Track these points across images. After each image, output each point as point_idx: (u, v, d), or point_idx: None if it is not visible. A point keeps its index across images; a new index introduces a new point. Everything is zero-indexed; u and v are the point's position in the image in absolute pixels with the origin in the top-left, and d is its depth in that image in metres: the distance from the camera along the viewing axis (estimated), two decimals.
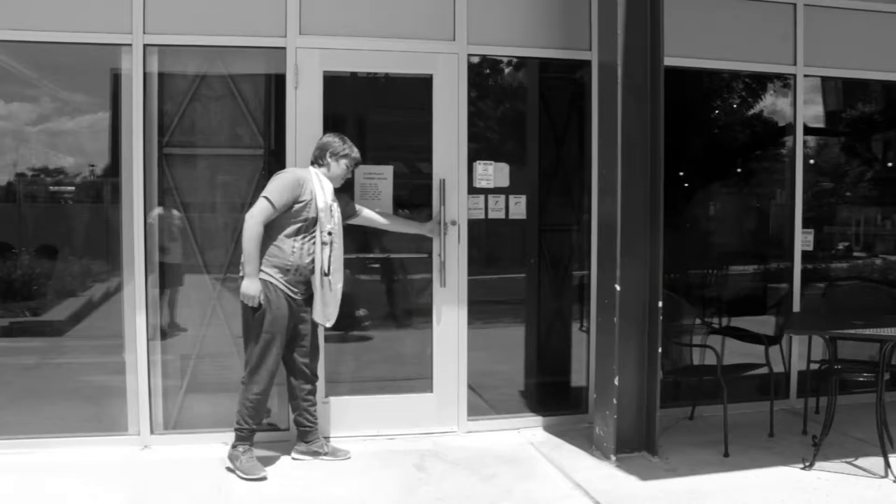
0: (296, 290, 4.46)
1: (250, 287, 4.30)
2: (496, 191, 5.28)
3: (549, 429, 5.34)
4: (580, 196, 5.56)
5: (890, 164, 6.66)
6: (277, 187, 4.35)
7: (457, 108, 5.14)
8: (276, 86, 5.02)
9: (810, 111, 5.98)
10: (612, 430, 4.71)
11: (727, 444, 4.76)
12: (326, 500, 4.11)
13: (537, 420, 5.42)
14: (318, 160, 4.62)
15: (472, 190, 5.22)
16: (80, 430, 4.83)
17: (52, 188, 5.07)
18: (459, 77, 5.13)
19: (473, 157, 5.22)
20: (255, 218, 4.28)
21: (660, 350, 4.69)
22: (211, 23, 4.81)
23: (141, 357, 4.80)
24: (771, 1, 5.68)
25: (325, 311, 4.56)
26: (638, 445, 4.79)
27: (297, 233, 4.42)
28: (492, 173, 5.25)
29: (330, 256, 4.49)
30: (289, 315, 4.44)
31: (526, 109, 5.79)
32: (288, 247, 4.40)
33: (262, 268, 4.35)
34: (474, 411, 5.31)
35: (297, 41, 4.88)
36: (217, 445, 4.78)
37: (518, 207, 5.34)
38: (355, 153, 4.67)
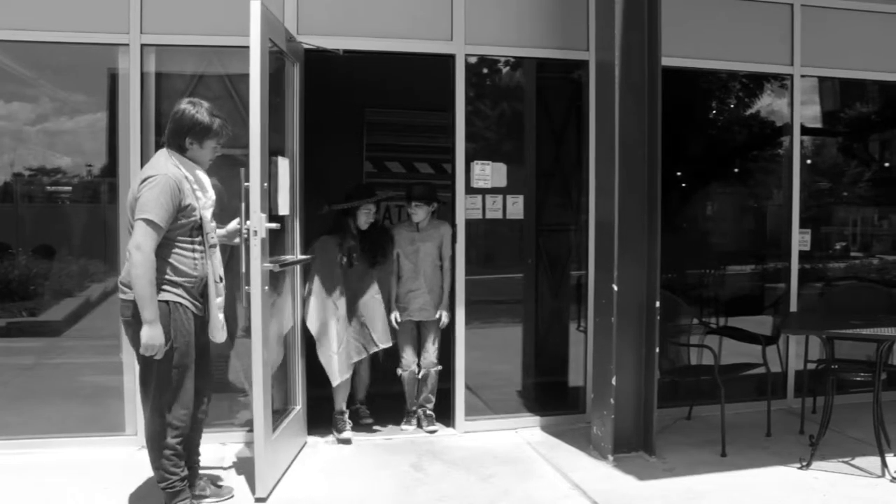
0: (200, 306, 3.77)
1: (155, 336, 3.48)
2: (494, 191, 5.29)
3: (546, 429, 5.35)
4: (578, 196, 5.56)
5: (887, 164, 6.67)
6: (155, 201, 3.47)
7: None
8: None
9: (807, 111, 5.99)
10: (609, 429, 4.72)
11: (724, 444, 4.77)
12: (325, 501, 4.11)
13: (535, 420, 5.42)
14: (177, 143, 3.71)
15: (470, 190, 5.22)
16: (78, 431, 4.83)
17: (49, 188, 5.06)
18: (457, 77, 5.14)
19: (471, 156, 5.22)
20: (144, 250, 3.44)
21: (657, 350, 4.70)
22: (208, 23, 4.81)
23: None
24: (768, 1, 5.69)
25: (226, 324, 3.93)
26: (635, 445, 4.80)
27: (192, 242, 3.69)
28: (489, 173, 5.25)
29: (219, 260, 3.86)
30: (195, 338, 3.74)
31: (524, 109, 5.79)
32: (189, 260, 3.67)
33: (165, 287, 3.58)
34: (472, 411, 5.32)
35: (298, 40, 4.86)
36: (215, 445, 4.79)
37: (515, 207, 5.35)
38: (219, 126, 3.77)
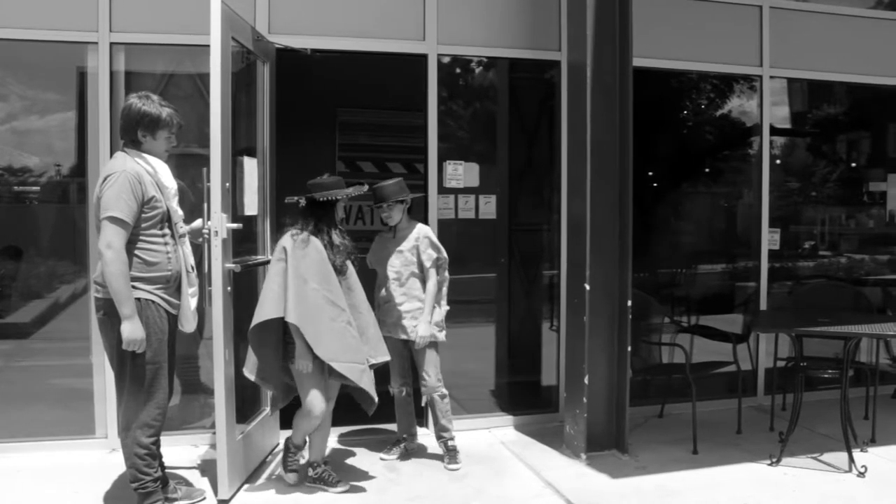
0: (176, 302, 3.77)
1: (135, 331, 3.50)
2: (466, 190, 5.29)
3: (520, 428, 5.36)
4: (550, 196, 5.58)
5: (854, 165, 6.77)
6: (117, 197, 3.48)
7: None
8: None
9: (777, 112, 6.07)
10: (582, 428, 4.74)
11: (696, 442, 4.81)
12: (291, 502, 4.09)
13: (508, 419, 5.44)
14: (130, 138, 3.70)
15: (443, 190, 5.22)
16: (48, 434, 4.77)
17: (17, 188, 4.99)
18: (429, 76, 5.13)
19: (444, 156, 5.22)
20: (115, 247, 3.46)
21: (629, 349, 4.73)
22: (178, 21, 4.76)
23: None
24: (738, 3, 5.75)
25: (194, 314, 3.89)
26: (608, 444, 4.82)
27: (163, 235, 3.68)
28: (462, 173, 5.25)
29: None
30: (168, 335, 3.73)
31: (496, 109, 5.81)
32: (162, 254, 3.66)
33: (136, 284, 3.56)
34: None
35: (269, 40, 4.84)
36: (187, 447, 4.76)
37: (488, 207, 5.36)
38: (168, 115, 3.71)
